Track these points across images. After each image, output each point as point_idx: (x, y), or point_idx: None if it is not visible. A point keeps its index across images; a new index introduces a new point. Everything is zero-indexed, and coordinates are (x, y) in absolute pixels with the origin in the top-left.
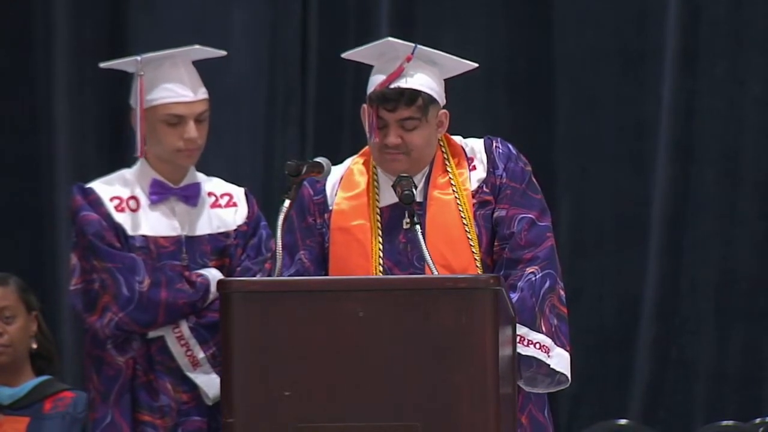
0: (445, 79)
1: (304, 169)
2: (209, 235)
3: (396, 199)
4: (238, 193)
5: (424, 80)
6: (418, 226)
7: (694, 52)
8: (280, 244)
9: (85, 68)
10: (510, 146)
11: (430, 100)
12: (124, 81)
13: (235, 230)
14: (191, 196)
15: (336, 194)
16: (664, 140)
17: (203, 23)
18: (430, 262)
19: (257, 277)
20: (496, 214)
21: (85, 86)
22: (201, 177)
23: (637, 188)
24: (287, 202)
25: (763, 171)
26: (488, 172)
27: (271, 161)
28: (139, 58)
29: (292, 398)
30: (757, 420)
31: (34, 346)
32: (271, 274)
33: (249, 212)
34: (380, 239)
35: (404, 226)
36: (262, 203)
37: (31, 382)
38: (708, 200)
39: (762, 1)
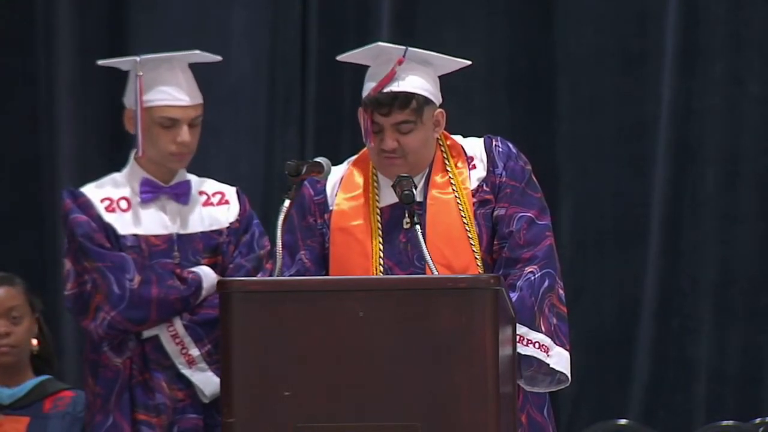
0: (442, 77)
1: (304, 169)
2: (201, 232)
3: (396, 200)
4: (230, 191)
5: (417, 82)
6: (418, 226)
7: (694, 52)
8: (280, 243)
9: (86, 68)
10: (510, 145)
11: (425, 101)
12: (125, 81)
13: (228, 228)
14: (182, 194)
15: (336, 195)
16: (664, 140)
17: (203, 23)
18: (430, 261)
19: (257, 277)
20: (495, 213)
21: (86, 86)
22: (192, 177)
23: (637, 188)
24: (287, 202)
25: (763, 171)
26: (488, 171)
27: (271, 161)
28: (138, 58)
29: (292, 398)
30: (757, 420)
31: (36, 347)
32: (272, 274)
33: (241, 209)
34: (380, 239)
35: (404, 226)
36: (262, 203)
37: (31, 381)
38: (708, 200)
39: (762, 1)
